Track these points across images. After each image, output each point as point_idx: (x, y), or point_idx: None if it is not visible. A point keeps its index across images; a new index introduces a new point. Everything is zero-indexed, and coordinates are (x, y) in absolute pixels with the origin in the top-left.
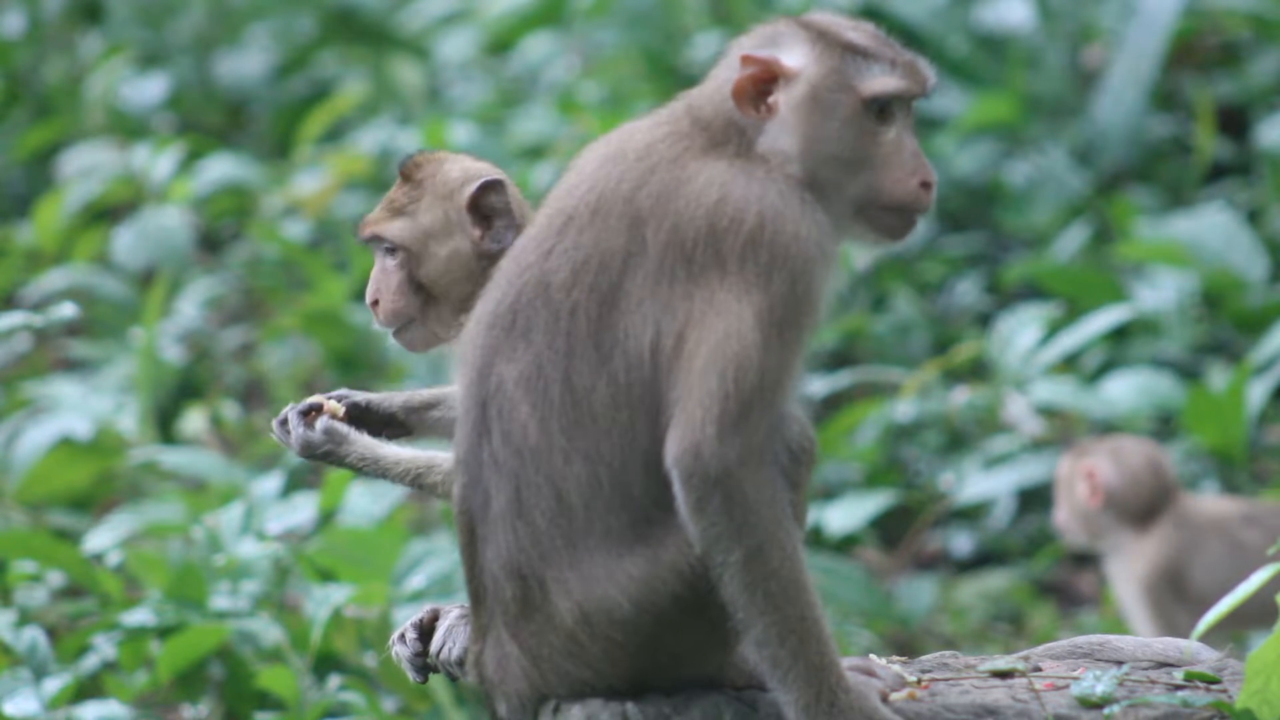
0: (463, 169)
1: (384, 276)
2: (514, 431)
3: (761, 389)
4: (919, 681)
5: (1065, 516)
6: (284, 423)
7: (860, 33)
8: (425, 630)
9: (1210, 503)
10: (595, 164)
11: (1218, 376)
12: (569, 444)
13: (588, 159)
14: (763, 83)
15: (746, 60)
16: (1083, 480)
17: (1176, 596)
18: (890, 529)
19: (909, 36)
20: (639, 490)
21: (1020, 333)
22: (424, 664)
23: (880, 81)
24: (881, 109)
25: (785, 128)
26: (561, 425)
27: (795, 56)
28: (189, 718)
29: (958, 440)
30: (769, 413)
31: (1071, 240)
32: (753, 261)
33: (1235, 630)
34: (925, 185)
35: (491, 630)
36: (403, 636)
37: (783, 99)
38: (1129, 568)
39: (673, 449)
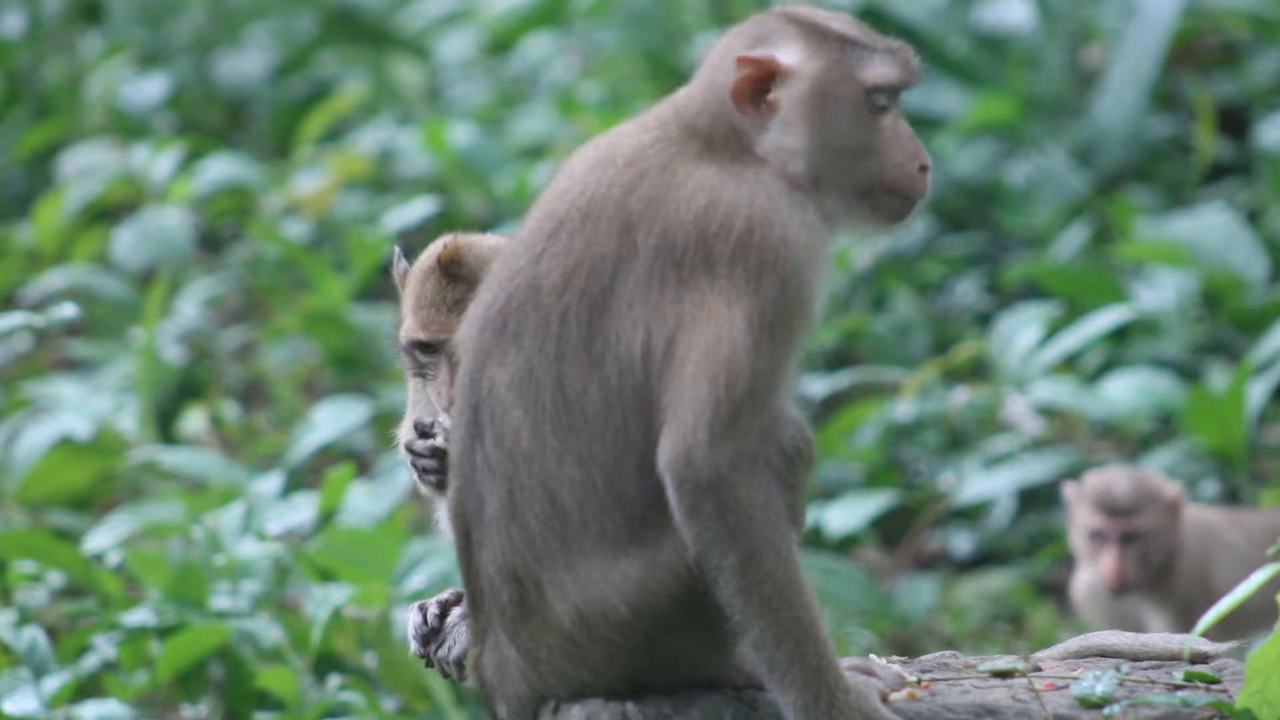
0: (492, 247)
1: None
2: (506, 435)
3: (752, 393)
4: (919, 681)
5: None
6: (426, 436)
7: (844, 23)
8: (446, 609)
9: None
10: (584, 168)
11: (1218, 376)
12: (561, 447)
13: (577, 163)
14: (760, 81)
15: (744, 61)
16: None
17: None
18: (890, 529)
19: (909, 36)
20: (634, 493)
21: (1020, 333)
22: (427, 637)
23: (880, 71)
24: (881, 98)
25: (787, 125)
26: (554, 428)
27: (791, 53)
28: (189, 718)
29: (958, 440)
30: (760, 417)
31: (1071, 240)
32: (742, 265)
33: (1238, 634)
34: (924, 169)
35: (490, 633)
36: (422, 608)
37: (784, 96)
38: None
39: (665, 455)
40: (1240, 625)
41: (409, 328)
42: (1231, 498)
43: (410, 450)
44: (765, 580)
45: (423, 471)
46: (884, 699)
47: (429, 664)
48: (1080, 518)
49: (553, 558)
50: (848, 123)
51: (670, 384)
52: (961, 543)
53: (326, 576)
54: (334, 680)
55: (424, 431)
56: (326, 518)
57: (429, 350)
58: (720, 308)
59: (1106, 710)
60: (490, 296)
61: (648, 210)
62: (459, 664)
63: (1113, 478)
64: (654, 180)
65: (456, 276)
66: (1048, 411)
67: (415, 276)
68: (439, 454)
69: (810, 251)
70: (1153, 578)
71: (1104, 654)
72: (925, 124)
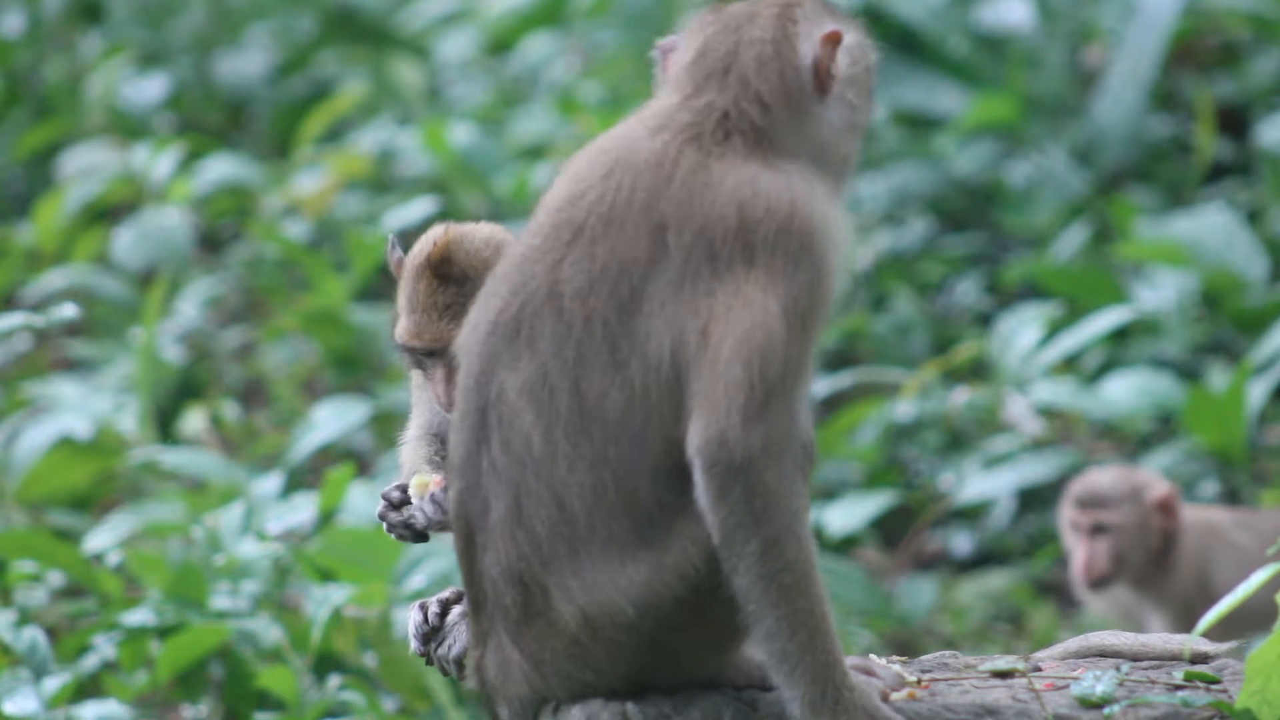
0: (485, 240)
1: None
2: (515, 440)
3: (784, 378)
4: (919, 681)
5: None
6: (395, 507)
7: None
8: (446, 608)
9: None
10: (599, 174)
11: (1218, 376)
12: (574, 451)
13: (586, 168)
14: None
15: (829, 38)
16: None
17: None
18: (890, 529)
19: (909, 36)
20: (645, 495)
21: (1020, 333)
22: (428, 635)
23: (870, 41)
24: None
25: (846, 100)
26: (567, 433)
27: (842, 28)
28: (189, 718)
29: (958, 440)
30: (789, 402)
31: (1071, 240)
32: (783, 249)
33: (1238, 634)
34: None
35: (492, 635)
36: (423, 606)
37: (842, 72)
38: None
39: (695, 438)
40: (1240, 625)
41: (402, 330)
42: (1231, 498)
43: (382, 518)
44: (785, 569)
45: (398, 538)
46: (884, 699)
47: (429, 662)
48: (1063, 512)
49: (559, 562)
50: (874, 93)
51: (703, 371)
52: (961, 543)
53: (326, 576)
54: (334, 680)
55: (392, 503)
56: (326, 518)
57: (423, 352)
58: (755, 295)
59: (1106, 710)
60: (500, 303)
61: (680, 211)
62: (459, 662)
63: (1094, 473)
64: (686, 181)
65: (448, 277)
66: (1048, 412)
67: (409, 272)
68: (410, 525)
69: (840, 241)
70: (1140, 575)
71: (1104, 654)
72: (925, 124)
